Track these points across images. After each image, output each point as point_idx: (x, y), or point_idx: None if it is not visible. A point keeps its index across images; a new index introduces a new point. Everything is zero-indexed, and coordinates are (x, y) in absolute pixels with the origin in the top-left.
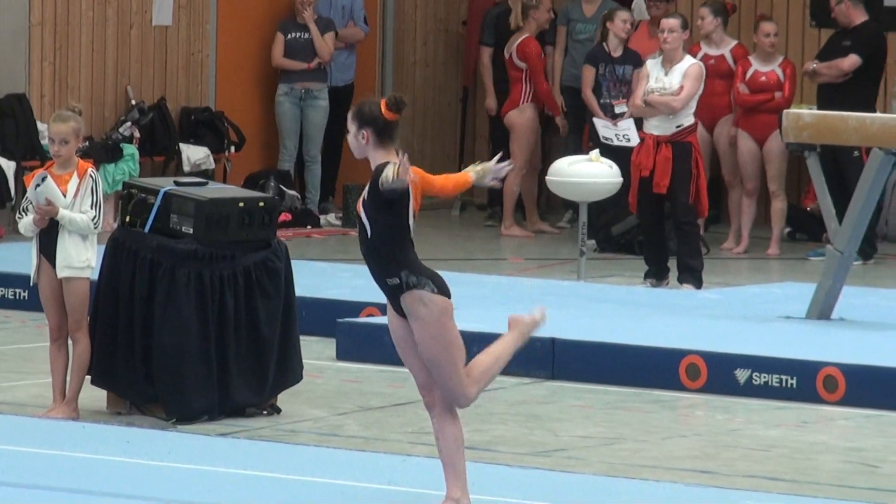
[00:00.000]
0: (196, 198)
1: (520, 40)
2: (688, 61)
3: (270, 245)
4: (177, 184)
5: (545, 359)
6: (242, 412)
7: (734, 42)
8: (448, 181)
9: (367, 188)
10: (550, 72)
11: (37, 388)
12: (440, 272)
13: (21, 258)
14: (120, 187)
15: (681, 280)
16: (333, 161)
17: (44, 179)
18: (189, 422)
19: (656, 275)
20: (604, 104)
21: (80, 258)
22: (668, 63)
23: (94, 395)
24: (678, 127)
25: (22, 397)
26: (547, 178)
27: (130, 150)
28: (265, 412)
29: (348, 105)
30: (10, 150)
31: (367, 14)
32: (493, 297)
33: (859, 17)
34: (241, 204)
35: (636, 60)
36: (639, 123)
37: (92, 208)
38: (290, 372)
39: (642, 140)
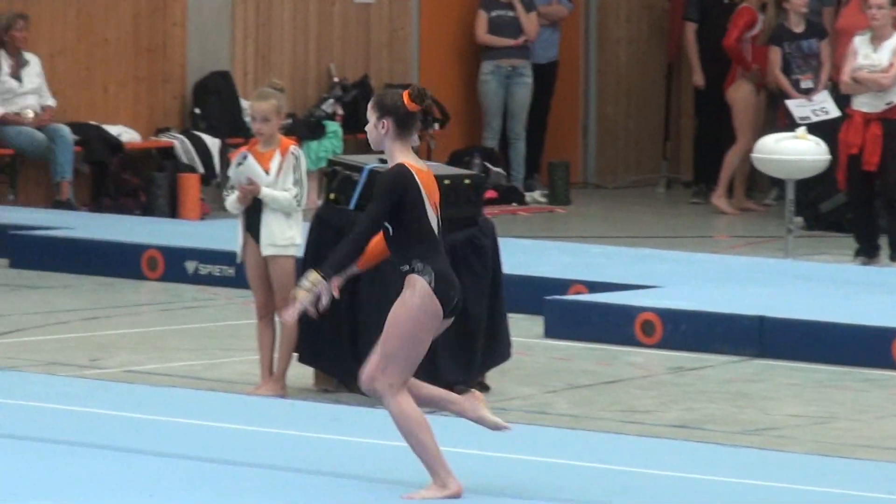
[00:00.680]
0: None
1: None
2: None
3: (477, 222)
4: (381, 161)
5: (753, 337)
6: (450, 390)
7: None
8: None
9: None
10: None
11: (244, 366)
12: (645, 249)
13: (227, 235)
14: (323, 164)
15: (893, 258)
16: (538, 138)
17: (245, 158)
18: None
19: (867, 252)
20: (794, 80)
21: (284, 236)
22: (878, 40)
23: (301, 373)
24: (888, 104)
25: (230, 374)
26: (753, 155)
27: (334, 127)
28: (474, 390)
29: (553, 82)
30: (214, 128)
31: None
32: (703, 275)
33: None
34: (447, 181)
35: (820, 31)
36: (839, 100)
37: (294, 186)
38: (498, 349)
39: (850, 116)
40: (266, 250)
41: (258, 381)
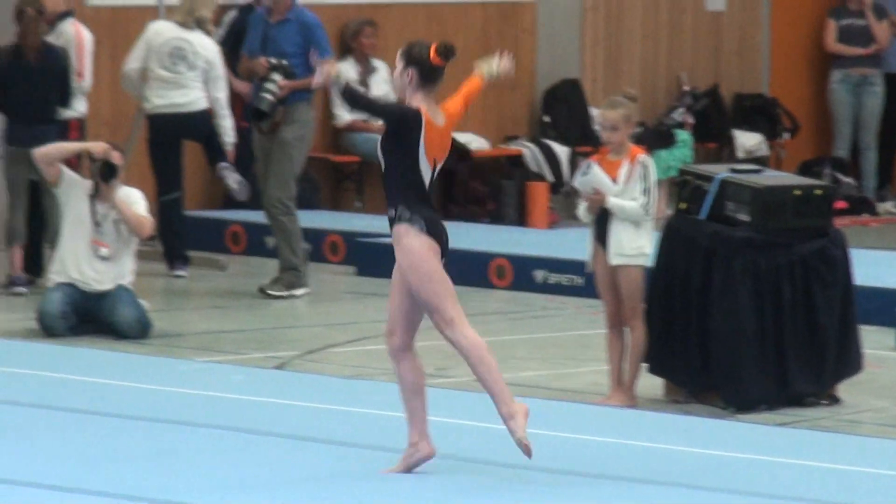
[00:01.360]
0: (752, 185)
1: None
2: None
3: (828, 233)
4: (733, 171)
5: None
6: (801, 401)
7: None
8: (466, 95)
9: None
10: None
11: (593, 376)
12: None
13: (576, 244)
14: (673, 173)
15: None
16: (890, 148)
17: (590, 168)
18: (747, 411)
19: None
20: None
21: (633, 245)
22: None
23: (651, 383)
24: None
25: (578, 384)
26: None
27: (684, 136)
28: (824, 402)
29: None
30: (563, 136)
31: None
32: None
33: None
34: (798, 192)
35: None
36: None
37: (643, 195)
38: (849, 361)
39: None
40: (614, 259)
41: (607, 391)
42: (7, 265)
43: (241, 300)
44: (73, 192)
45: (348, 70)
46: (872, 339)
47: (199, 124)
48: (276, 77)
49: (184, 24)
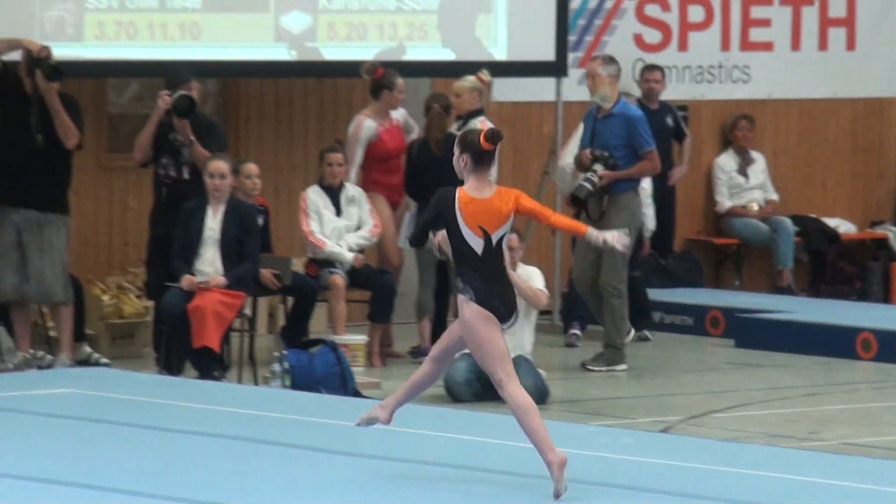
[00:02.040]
0: None
1: None
2: None
3: None
4: None
5: None
6: None
7: None
8: (563, 220)
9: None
10: None
11: None
12: None
13: None
14: None
15: None
16: None
17: None
18: None
19: None
20: None
21: None
22: None
23: None
24: None
25: None
26: None
27: None
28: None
29: None
30: None
31: None
32: None
33: None
34: None
35: None
36: None
37: None
38: None
39: None
40: None
41: None
42: (417, 336)
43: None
44: None
45: (727, 161)
46: None
47: None
48: (597, 167)
49: None
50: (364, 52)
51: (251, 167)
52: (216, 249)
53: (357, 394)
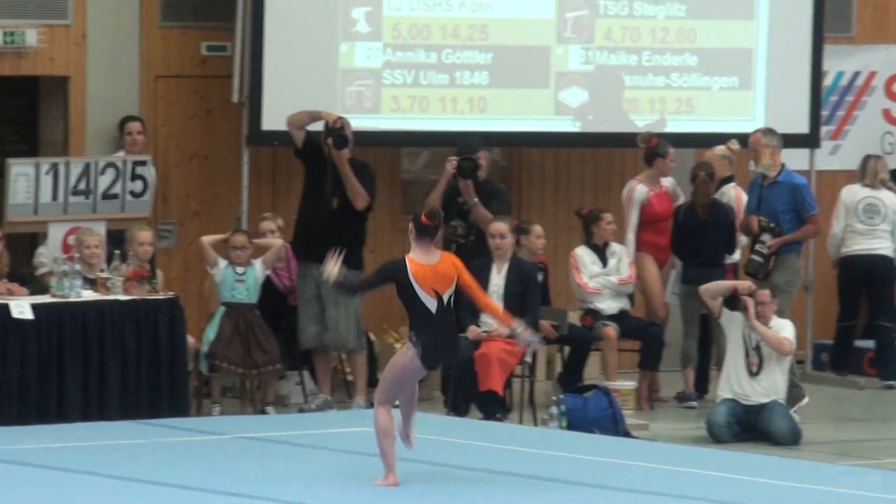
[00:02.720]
0: None
1: None
2: None
3: None
4: None
5: None
6: None
7: None
8: (492, 306)
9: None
10: None
11: None
12: None
13: None
14: None
15: None
16: None
17: None
18: None
19: None
20: None
21: None
22: None
23: None
24: None
25: None
26: None
27: None
28: None
29: None
30: None
31: None
32: None
33: None
34: None
35: None
36: None
37: None
38: None
39: None
40: None
41: None
42: (682, 382)
43: (872, 414)
44: (732, 324)
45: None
46: None
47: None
48: (765, 238)
49: (871, 185)
50: (634, 124)
51: (538, 228)
52: (500, 303)
53: (627, 434)
